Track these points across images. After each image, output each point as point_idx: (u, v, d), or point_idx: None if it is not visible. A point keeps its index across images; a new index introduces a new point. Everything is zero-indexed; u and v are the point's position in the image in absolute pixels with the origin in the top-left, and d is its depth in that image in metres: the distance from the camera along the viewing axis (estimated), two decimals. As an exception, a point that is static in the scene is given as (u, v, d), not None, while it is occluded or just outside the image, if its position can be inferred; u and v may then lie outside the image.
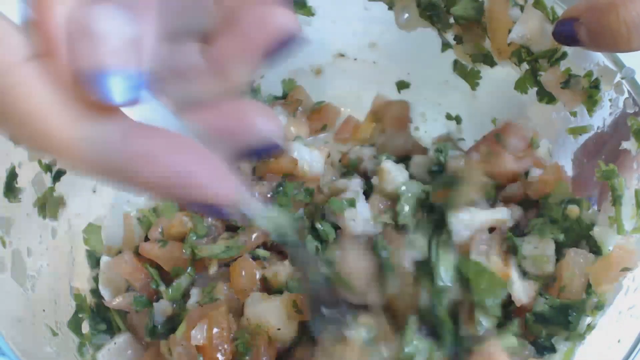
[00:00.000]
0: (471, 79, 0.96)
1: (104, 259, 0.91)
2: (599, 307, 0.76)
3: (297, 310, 0.79)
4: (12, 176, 0.80)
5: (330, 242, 0.83)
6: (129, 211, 0.97)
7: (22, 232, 0.81)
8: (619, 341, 0.71)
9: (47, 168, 0.86)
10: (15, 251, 0.79)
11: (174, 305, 0.85)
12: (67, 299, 0.87)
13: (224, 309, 0.79)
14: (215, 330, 0.77)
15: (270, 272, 0.84)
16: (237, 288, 0.83)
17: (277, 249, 0.88)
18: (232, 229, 0.89)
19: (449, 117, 1.02)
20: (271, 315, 0.79)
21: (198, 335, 0.77)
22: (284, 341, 0.80)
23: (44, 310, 0.81)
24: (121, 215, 0.96)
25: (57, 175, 0.87)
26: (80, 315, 0.87)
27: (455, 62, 0.96)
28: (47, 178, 0.86)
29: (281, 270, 0.83)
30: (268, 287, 0.84)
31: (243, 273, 0.83)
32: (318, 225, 0.84)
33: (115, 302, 0.88)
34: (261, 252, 0.86)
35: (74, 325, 0.86)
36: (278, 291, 0.83)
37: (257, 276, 0.83)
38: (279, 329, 0.79)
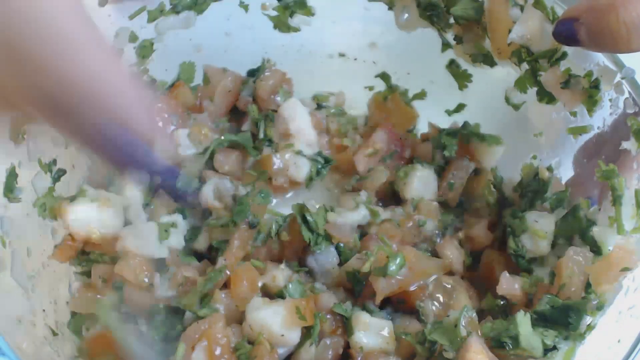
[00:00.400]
0: (461, 79, 0.97)
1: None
2: (599, 307, 0.76)
3: (300, 316, 0.77)
4: (12, 176, 0.80)
5: None
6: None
7: (22, 232, 0.81)
8: (619, 341, 0.71)
9: (47, 168, 0.86)
10: (15, 251, 0.79)
11: None
12: (67, 299, 0.87)
13: (222, 323, 0.77)
14: (215, 348, 0.75)
15: (268, 277, 0.83)
16: (238, 296, 0.81)
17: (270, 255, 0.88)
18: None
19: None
20: (274, 321, 0.77)
21: (200, 358, 0.75)
22: (287, 347, 0.79)
23: (44, 310, 0.81)
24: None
25: (57, 176, 0.87)
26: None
27: (451, 62, 0.96)
28: (47, 178, 0.86)
29: (279, 274, 0.83)
30: (267, 293, 0.83)
31: (244, 280, 0.82)
32: (309, 217, 0.85)
33: None
34: (255, 262, 0.85)
35: (74, 325, 0.86)
36: (278, 297, 0.82)
37: (260, 284, 0.82)
38: (282, 335, 0.77)
